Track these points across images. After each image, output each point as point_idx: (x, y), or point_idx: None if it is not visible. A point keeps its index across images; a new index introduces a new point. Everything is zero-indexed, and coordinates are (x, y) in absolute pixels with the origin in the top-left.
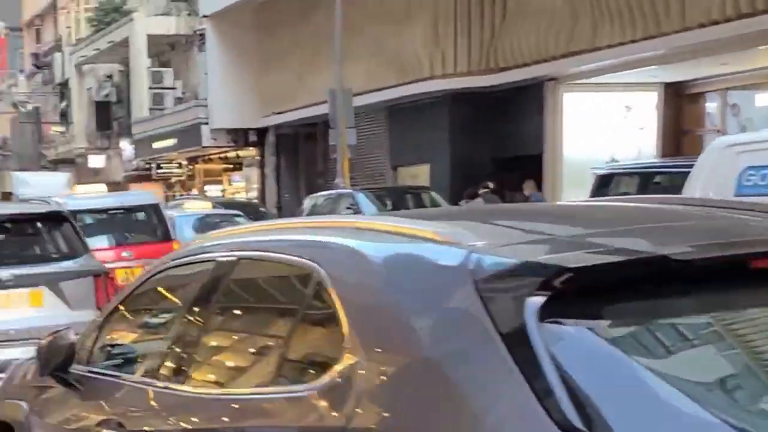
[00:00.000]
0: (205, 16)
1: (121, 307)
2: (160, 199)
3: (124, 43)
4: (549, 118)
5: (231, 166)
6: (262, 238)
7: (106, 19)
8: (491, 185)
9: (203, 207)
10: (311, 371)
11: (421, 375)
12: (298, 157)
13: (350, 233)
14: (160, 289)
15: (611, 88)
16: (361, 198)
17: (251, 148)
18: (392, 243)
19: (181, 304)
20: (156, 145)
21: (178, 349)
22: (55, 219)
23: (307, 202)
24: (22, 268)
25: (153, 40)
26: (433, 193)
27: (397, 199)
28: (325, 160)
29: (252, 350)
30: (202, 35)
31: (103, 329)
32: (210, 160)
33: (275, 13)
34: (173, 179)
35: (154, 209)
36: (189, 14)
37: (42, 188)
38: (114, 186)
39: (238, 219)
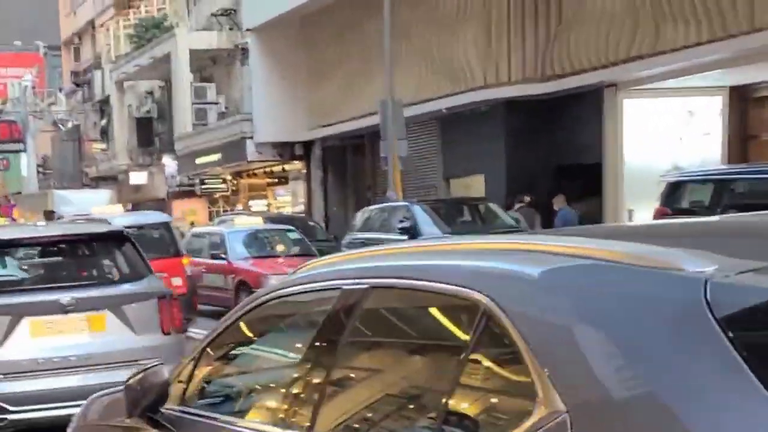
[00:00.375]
0: (248, 30)
1: (223, 340)
2: (182, 216)
3: (166, 58)
4: (608, 125)
5: (275, 180)
6: (402, 263)
7: (146, 36)
8: (528, 198)
9: (254, 222)
10: (489, 428)
11: (649, 425)
12: (345, 170)
13: (523, 257)
14: (270, 319)
15: (674, 93)
16: (417, 210)
17: (297, 161)
18: (585, 268)
19: (301, 338)
20: (200, 160)
21: (300, 391)
22: (117, 239)
23: (360, 216)
24: (83, 291)
25: (195, 55)
26: (492, 204)
27: (455, 211)
28: (373, 173)
29: (398, 398)
30: (245, 49)
31: (201, 364)
32: (254, 175)
33: (320, 24)
34: (217, 195)
35: (165, 227)
36: (231, 29)
37: (83, 206)
38: (157, 202)
39: (290, 234)
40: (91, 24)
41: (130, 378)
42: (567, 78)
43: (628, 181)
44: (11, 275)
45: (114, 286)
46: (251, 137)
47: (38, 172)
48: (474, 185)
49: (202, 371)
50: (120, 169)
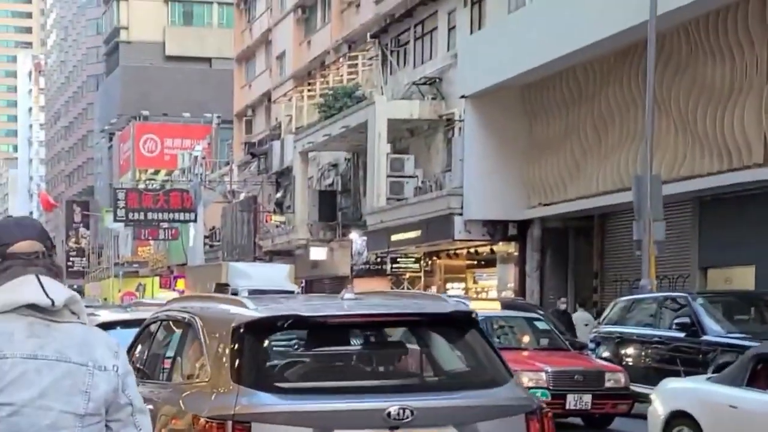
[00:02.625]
0: (462, 97)
1: None
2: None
3: (361, 128)
4: None
5: (475, 262)
6: None
7: (336, 105)
8: None
9: (491, 308)
10: None
11: None
12: (566, 255)
13: None
14: None
15: None
16: (698, 304)
17: (510, 242)
18: None
19: None
20: (395, 237)
21: None
22: (462, 323)
23: (612, 307)
24: (417, 398)
25: (391, 126)
26: None
27: (740, 307)
28: (601, 259)
29: None
30: (450, 120)
31: None
32: (456, 255)
33: (544, 94)
34: (407, 275)
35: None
36: (434, 98)
37: (262, 280)
38: (336, 280)
39: (537, 324)
40: (267, 96)
41: None
42: None
43: None
44: (314, 368)
45: (461, 392)
46: (460, 214)
47: (204, 243)
48: (739, 277)
49: None
50: (298, 244)
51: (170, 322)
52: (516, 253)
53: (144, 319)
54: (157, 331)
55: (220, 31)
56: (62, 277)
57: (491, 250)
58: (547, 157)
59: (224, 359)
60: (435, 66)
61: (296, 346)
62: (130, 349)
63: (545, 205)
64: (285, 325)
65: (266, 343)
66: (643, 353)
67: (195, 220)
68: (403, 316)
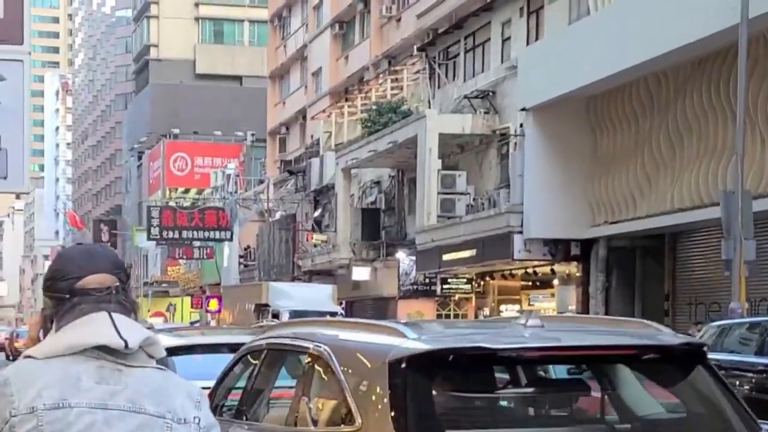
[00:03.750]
0: (524, 110)
1: None
2: None
3: (408, 143)
4: None
5: (529, 283)
6: None
7: (381, 120)
8: None
9: None
10: None
11: None
12: (633, 276)
13: None
14: None
15: None
16: None
17: (572, 262)
18: None
19: None
20: (447, 256)
21: None
22: (688, 357)
23: (705, 332)
24: None
25: (440, 141)
26: None
27: None
28: (672, 280)
29: None
30: (504, 135)
31: None
32: (512, 276)
33: (613, 105)
34: (457, 296)
35: None
36: (486, 112)
37: (304, 301)
38: (382, 302)
39: None
40: (302, 113)
41: None
42: None
43: None
44: (490, 412)
45: None
46: (520, 232)
47: (239, 263)
48: None
49: None
50: (340, 263)
51: (283, 353)
52: (578, 274)
53: (218, 344)
54: (263, 362)
55: (251, 49)
56: (137, 313)
57: (552, 270)
58: (614, 173)
59: (378, 402)
60: (488, 79)
61: (465, 385)
62: (220, 383)
63: (611, 223)
64: (461, 360)
65: (435, 381)
66: (745, 383)
67: (231, 239)
68: (621, 349)
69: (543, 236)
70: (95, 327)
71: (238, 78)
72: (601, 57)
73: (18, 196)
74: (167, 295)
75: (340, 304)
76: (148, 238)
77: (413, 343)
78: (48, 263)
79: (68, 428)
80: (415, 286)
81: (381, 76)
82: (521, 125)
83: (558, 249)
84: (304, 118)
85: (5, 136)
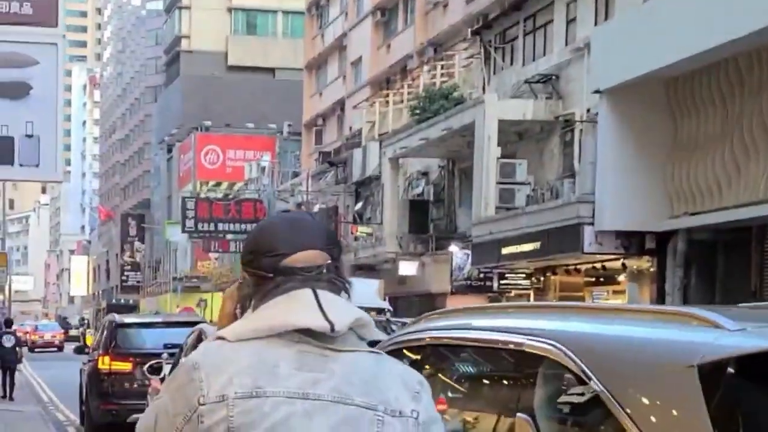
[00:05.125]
0: (597, 92)
1: None
2: None
3: (463, 131)
4: None
5: (593, 279)
6: None
7: (432, 107)
8: None
9: None
10: None
11: None
12: (714, 272)
13: None
14: None
15: None
16: None
17: (644, 257)
18: None
19: None
20: (507, 250)
21: None
22: None
23: None
24: None
25: (498, 128)
26: None
27: None
28: (760, 275)
29: None
30: (568, 121)
31: None
32: (576, 271)
33: (696, 87)
34: (513, 293)
35: None
36: (548, 97)
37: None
38: (429, 298)
39: None
40: (340, 104)
41: None
42: None
43: None
44: None
45: None
46: (591, 223)
47: None
48: None
49: None
50: (386, 257)
51: (463, 351)
52: (652, 269)
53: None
54: (426, 364)
55: (285, 41)
56: (348, 291)
57: (623, 265)
58: (696, 160)
59: (680, 421)
60: (550, 62)
61: None
62: None
63: (692, 214)
64: None
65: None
66: None
67: None
68: None
69: (616, 228)
70: (298, 307)
71: (271, 70)
72: (683, 35)
73: (44, 191)
74: (198, 291)
75: (385, 299)
76: (183, 231)
77: (738, 339)
78: (73, 258)
79: (263, 419)
80: (468, 282)
81: (429, 62)
82: (588, 110)
83: (631, 242)
84: (342, 109)
85: (38, 122)
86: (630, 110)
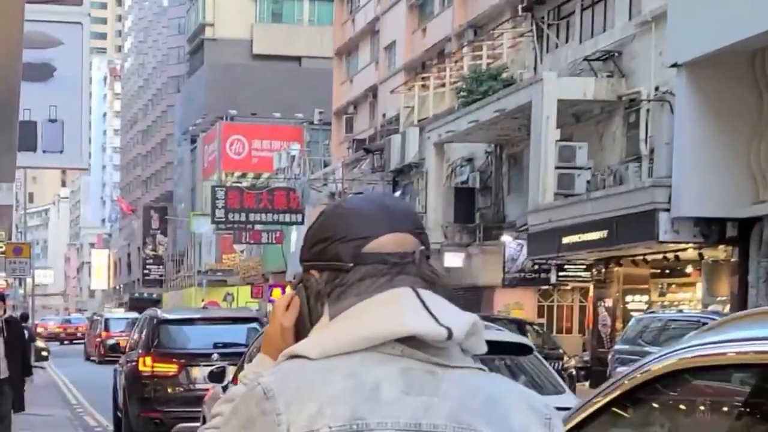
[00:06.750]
0: (674, 66)
1: None
2: None
3: (516, 113)
4: None
5: (659, 270)
6: None
7: (479, 89)
8: None
9: None
10: None
11: None
12: None
13: None
14: None
15: None
16: None
17: (722, 246)
18: None
19: None
20: (568, 239)
21: None
22: None
23: None
24: None
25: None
26: None
27: None
28: None
29: None
30: (633, 100)
31: None
32: (645, 262)
33: None
34: (570, 285)
35: None
36: (609, 76)
37: None
38: (475, 292)
39: None
40: (372, 91)
41: None
42: None
43: None
44: None
45: None
46: (667, 210)
47: None
48: None
49: None
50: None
51: None
52: (733, 259)
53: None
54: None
55: (311, 29)
56: (444, 289)
57: (699, 255)
58: None
59: None
60: (612, 38)
61: None
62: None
63: None
64: None
65: None
66: None
67: (302, 222)
68: None
69: (694, 215)
70: (400, 309)
71: (297, 59)
72: None
73: (63, 184)
74: (225, 284)
75: None
76: (213, 221)
77: None
78: (94, 251)
79: None
80: (521, 274)
81: (471, 44)
82: (656, 88)
83: (711, 230)
84: (375, 95)
85: (62, 106)
86: (711, 85)
